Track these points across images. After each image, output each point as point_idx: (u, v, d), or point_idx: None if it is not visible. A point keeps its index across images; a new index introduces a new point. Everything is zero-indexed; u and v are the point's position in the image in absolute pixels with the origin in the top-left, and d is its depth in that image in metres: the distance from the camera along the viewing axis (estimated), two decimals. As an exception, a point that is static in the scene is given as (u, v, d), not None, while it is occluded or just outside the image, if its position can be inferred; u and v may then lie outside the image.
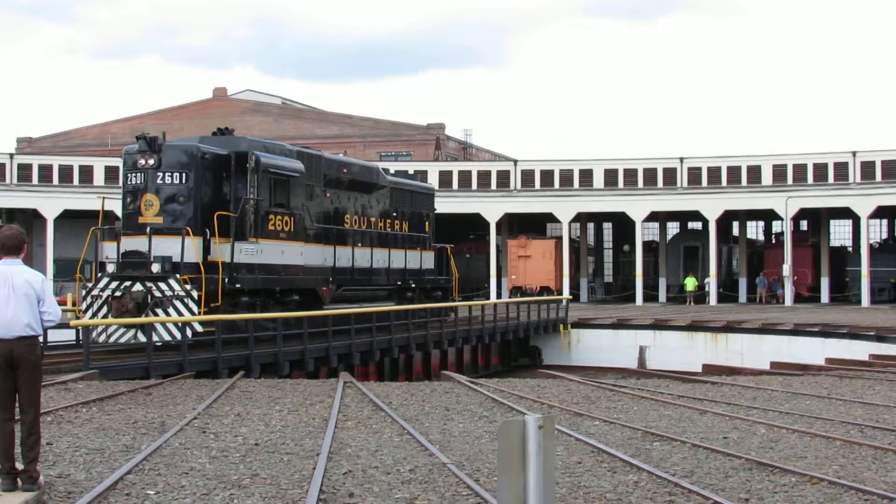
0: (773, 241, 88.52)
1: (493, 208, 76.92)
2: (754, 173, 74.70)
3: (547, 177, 77.68)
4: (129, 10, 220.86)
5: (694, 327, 51.07)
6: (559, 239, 78.92)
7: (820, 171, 73.47)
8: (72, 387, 23.72)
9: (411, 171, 67.54)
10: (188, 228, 31.86)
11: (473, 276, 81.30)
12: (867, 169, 72.29)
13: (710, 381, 27.07)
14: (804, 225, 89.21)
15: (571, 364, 49.82)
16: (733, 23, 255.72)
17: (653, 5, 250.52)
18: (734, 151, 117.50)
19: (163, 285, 31.15)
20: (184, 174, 32.64)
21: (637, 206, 75.37)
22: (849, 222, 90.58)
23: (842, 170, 72.88)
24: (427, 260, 46.44)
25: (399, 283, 43.70)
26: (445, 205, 76.51)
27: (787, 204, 72.39)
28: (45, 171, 76.03)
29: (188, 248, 31.67)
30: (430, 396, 22.88)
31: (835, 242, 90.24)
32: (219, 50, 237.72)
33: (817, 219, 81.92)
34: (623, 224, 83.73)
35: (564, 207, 76.49)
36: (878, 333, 42.20)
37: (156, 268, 31.45)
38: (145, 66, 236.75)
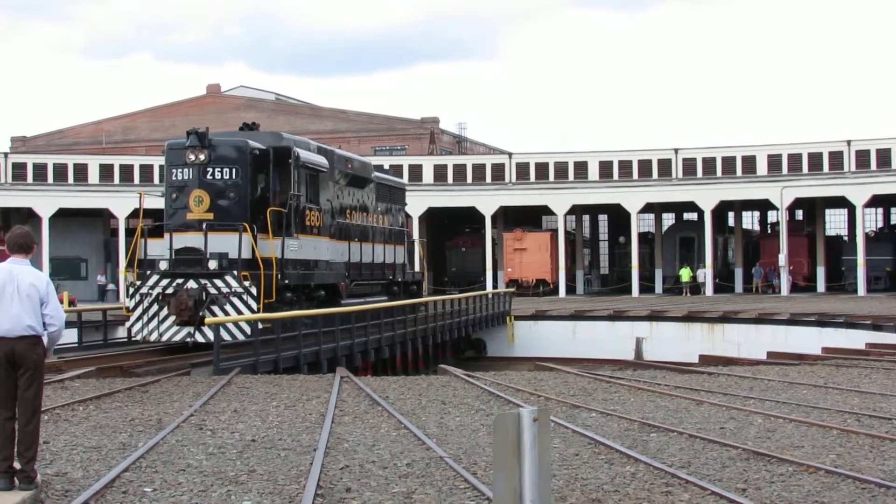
0: (769, 231, 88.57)
1: (488, 201, 76.96)
2: (749, 163, 74.80)
3: (542, 169, 77.74)
4: (120, 8, 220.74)
5: (690, 318, 51.09)
6: (555, 231, 79.01)
7: (815, 160, 73.57)
8: (68, 385, 23.73)
9: (386, 166, 67.65)
10: (245, 225, 31.64)
11: (469, 270, 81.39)
12: (862, 158, 72.40)
13: (706, 372, 27.08)
14: (800, 214, 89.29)
15: (514, 356, 50.09)
16: (726, 12, 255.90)
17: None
18: (729, 142, 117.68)
19: (219, 282, 30.94)
20: (234, 169, 32.24)
21: (632, 198, 75.42)
22: (844, 211, 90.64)
23: (837, 159, 73.00)
24: (404, 254, 46.83)
25: (390, 277, 44.06)
26: (441, 199, 76.73)
27: (782, 194, 72.45)
28: (40, 170, 76.02)
29: (245, 245, 31.48)
30: (427, 390, 22.89)
31: (830, 232, 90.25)
32: (211, 47, 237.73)
33: (813, 208, 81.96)
34: (619, 216, 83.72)
35: (560, 200, 76.53)
36: (875, 322, 42.20)
37: (213, 264, 31.15)
38: (137, 64, 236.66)
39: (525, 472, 7.65)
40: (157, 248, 32.50)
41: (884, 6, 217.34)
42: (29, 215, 73.59)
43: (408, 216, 77.33)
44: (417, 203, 75.89)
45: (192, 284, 30.99)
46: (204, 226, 31.48)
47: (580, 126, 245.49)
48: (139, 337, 32.16)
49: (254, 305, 30.78)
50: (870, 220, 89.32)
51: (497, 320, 53.52)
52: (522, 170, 77.93)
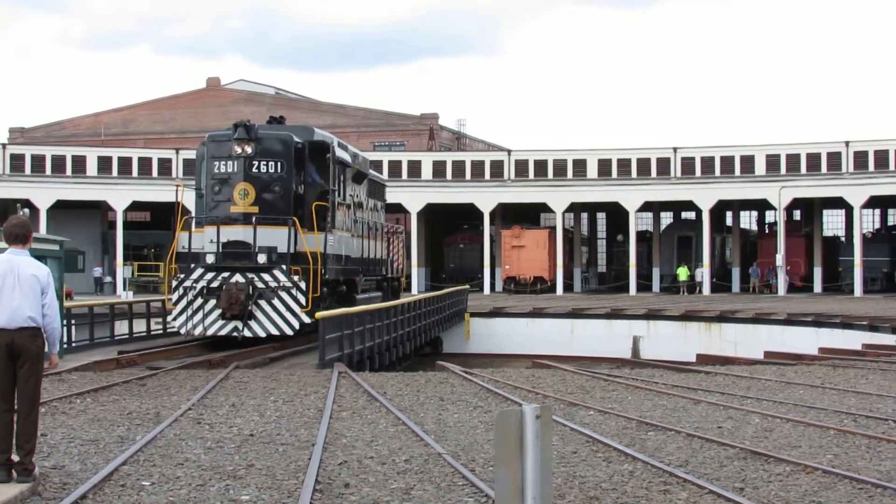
0: (767, 231, 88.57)
1: (487, 198, 76.96)
2: (748, 163, 74.80)
3: (541, 167, 77.70)
4: (121, 0, 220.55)
5: (688, 317, 51.14)
6: (553, 229, 78.98)
7: (813, 160, 73.58)
8: (66, 378, 23.75)
9: (385, 162, 67.87)
10: (294, 219, 31.74)
11: (467, 267, 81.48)
12: (860, 159, 72.41)
13: (704, 371, 27.10)
14: (797, 215, 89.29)
15: (469, 352, 50.14)
16: (726, 10, 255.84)
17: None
18: (728, 141, 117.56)
19: (266, 276, 31.01)
20: (279, 163, 32.11)
21: (631, 196, 75.45)
22: (842, 212, 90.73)
23: (835, 160, 73.00)
24: (387, 250, 47.16)
25: (384, 272, 44.36)
26: (439, 195, 76.75)
27: (780, 194, 72.48)
28: (38, 162, 75.90)
29: (295, 239, 31.64)
30: (425, 387, 22.89)
31: (828, 232, 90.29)
32: (210, 40, 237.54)
33: (810, 209, 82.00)
34: (617, 214, 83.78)
35: (558, 197, 76.55)
36: (871, 323, 42.27)
37: (262, 258, 31.19)
38: (137, 56, 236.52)
39: (527, 468, 7.66)
40: (198, 241, 32.24)
41: (883, 7, 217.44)
42: (27, 207, 73.47)
43: (406, 212, 77.58)
44: (416, 199, 76.05)
45: (238, 278, 31.00)
46: (254, 219, 31.42)
47: (579, 124, 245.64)
48: (183, 331, 32.09)
49: (302, 300, 30.97)
50: (867, 221, 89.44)
51: (456, 318, 53.45)
52: (521, 167, 77.92)
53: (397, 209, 77.57)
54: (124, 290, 68.17)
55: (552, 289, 75.97)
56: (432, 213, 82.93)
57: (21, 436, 11.72)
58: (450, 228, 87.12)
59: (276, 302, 30.90)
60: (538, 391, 22.06)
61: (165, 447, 14.98)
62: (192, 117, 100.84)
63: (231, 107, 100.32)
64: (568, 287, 78.43)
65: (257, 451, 14.83)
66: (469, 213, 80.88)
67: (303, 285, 31.01)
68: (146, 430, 16.55)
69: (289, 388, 22.19)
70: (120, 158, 76.94)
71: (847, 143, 73.16)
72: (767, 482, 12.85)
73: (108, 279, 74.93)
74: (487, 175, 78.19)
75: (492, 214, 78.69)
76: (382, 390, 21.94)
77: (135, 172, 76.09)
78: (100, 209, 79.81)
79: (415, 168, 78.34)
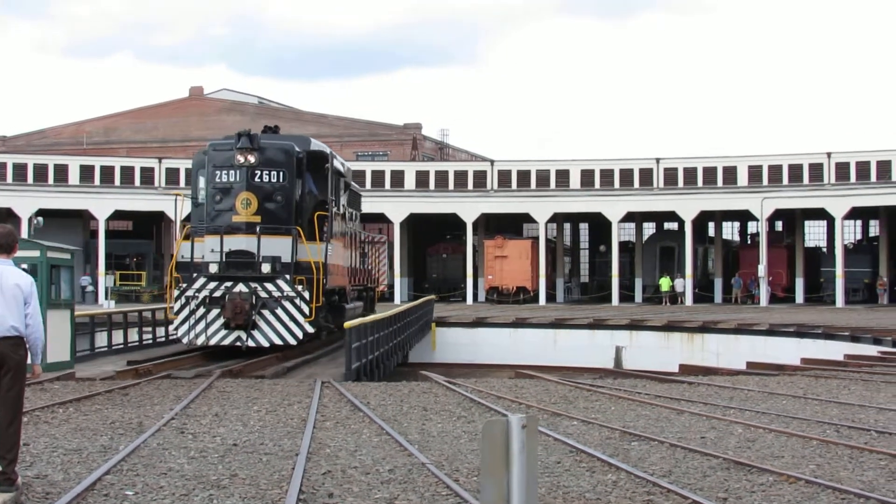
0: (749, 242, 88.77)
1: (469, 208, 76.97)
2: (730, 174, 74.95)
3: (524, 177, 77.75)
4: (102, 7, 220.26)
5: (670, 327, 51.19)
6: (535, 239, 79.04)
7: (795, 172, 73.75)
8: (48, 387, 23.67)
9: (368, 172, 67.73)
10: (298, 229, 31.81)
11: (450, 277, 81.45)
12: (842, 170, 72.62)
13: (686, 381, 27.13)
14: (779, 226, 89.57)
15: (434, 361, 50.17)
16: (709, 21, 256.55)
17: (625, 4, 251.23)
18: (710, 152, 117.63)
19: (270, 286, 31.05)
20: (281, 173, 32.15)
21: (613, 207, 75.55)
22: (823, 223, 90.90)
23: (817, 171, 73.19)
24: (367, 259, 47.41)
25: (364, 281, 44.52)
26: (422, 205, 76.75)
27: (762, 205, 72.66)
28: (20, 170, 75.73)
29: (299, 249, 31.71)
30: (408, 397, 22.88)
31: (810, 243, 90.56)
32: (193, 48, 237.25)
33: (792, 219, 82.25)
34: (599, 224, 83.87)
35: (541, 208, 76.61)
36: (853, 334, 42.37)
37: (266, 268, 31.22)
38: (118, 64, 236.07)
39: (513, 478, 7.66)
40: (198, 250, 32.20)
41: (865, 20, 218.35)
42: (8, 216, 73.33)
43: (389, 222, 77.59)
44: (399, 209, 76.04)
45: (242, 288, 31.02)
46: (258, 229, 31.48)
47: (562, 134, 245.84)
48: (185, 340, 32.16)
49: (306, 310, 31.07)
50: (849, 232, 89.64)
51: (423, 328, 53.47)
52: (504, 177, 77.94)
53: (380, 219, 77.57)
54: (106, 299, 68.00)
55: (535, 299, 75.99)
56: (415, 223, 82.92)
57: (3, 445, 11.67)
58: (433, 238, 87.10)
59: (279, 312, 31.00)
60: (521, 401, 22.06)
61: (149, 457, 14.95)
62: (174, 126, 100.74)
63: (214, 116, 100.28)
64: (550, 297, 78.47)
65: (241, 460, 14.80)
66: (452, 224, 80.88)
67: (306, 295, 31.14)
68: (129, 439, 16.51)
69: (272, 398, 22.16)
70: (102, 167, 76.79)
71: (829, 155, 73.38)
72: (750, 492, 12.87)
73: (90, 288, 74.72)
74: (470, 185, 78.22)
75: (475, 224, 78.70)
76: (366, 400, 21.92)
77: (117, 181, 75.95)
78: (82, 218, 79.63)
79: (398, 178, 78.33)
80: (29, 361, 12.07)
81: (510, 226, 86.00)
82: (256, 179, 31.92)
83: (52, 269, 27.78)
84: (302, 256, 31.70)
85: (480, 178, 78.32)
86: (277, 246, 31.54)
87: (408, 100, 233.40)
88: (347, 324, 28.87)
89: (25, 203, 72.71)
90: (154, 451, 15.46)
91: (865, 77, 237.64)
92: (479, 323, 55.61)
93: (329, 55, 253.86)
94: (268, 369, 28.79)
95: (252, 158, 31.81)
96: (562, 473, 13.99)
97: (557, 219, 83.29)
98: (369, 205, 59.73)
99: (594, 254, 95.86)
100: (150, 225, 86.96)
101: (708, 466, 14.52)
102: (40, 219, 49.75)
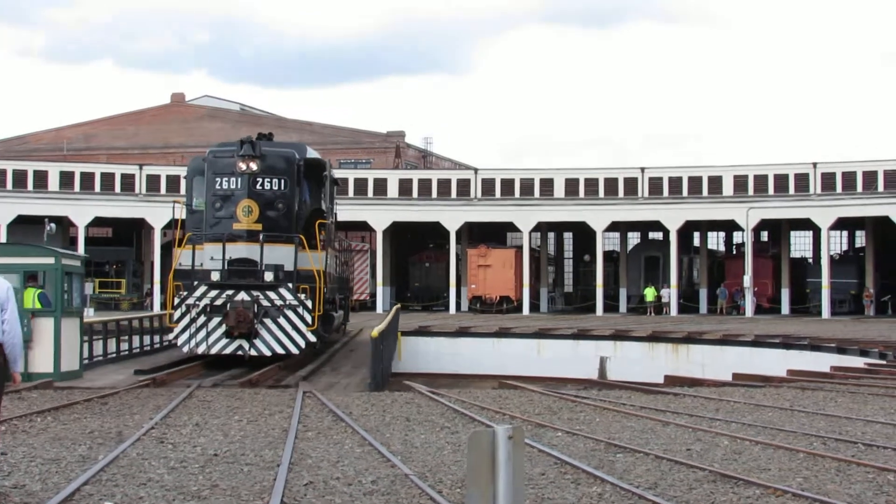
0: (734, 252, 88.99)
1: (453, 217, 76.97)
2: (715, 184, 75.07)
3: (507, 186, 77.78)
4: (83, 13, 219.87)
5: (655, 338, 51.16)
6: (519, 248, 79.05)
7: (781, 182, 73.91)
8: (25, 396, 23.57)
9: (351, 180, 67.55)
10: (301, 237, 31.82)
11: (433, 286, 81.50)
12: (828, 180, 72.78)
13: (672, 393, 27.09)
14: (765, 236, 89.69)
15: (400, 371, 50.26)
16: (696, 32, 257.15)
17: (610, 13, 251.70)
18: (695, 162, 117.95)
19: (272, 294, 31.04)
20: (283, 180, 32.20)
21: (598, 216, 75.63)
22: (809, 234, 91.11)
23: (803, 181, 73.36)
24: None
25: (343, 290, 44.69)
26: (405, 213, 76.69)
27: (748, 215, 72.82)
28: (-1, 176, 75.57)
29: (302, 257, 31.70)
30: (391, 407, 22.84)
31: (795, 254, 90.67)
32: (175, 54, 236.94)
33: (778, 230, 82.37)
34: (584, 234, 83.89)
35: (525, 217, 76.65)
36: (839, 345, 42.39)
37: (268, 276, 31.20)
38: (99, 71, 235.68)
39: (499, 490, 7.63)
40: (198, 258, 32.07)
41: (851, 31, 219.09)
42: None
43: (371, 230, 77.57)
44: (382, 217, 76.03)
45: (244, 296, 31.00)
46: (261, 237, 31.50)
47: (546, 143, 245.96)
48: (185, 349, 32.07)
49: (309, 318, 31.10)
50: (835, 243, 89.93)
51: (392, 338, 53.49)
52: (488, 186, 77.98)
53: (363, 227, 77.58)
54: (86, 306, 67.71)
55: (518, 308, 76.01)
56: (398, 232, 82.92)
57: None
58: (416, 247, 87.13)
59: (281, 320, 31.05)
60: (505, 412, 22.03)
61: (128, 467, 14.88)
62: (155, 133, 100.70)
63: (195, 123, 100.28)
64: (534, 307, 78.51)
65: (221, 471, 14.74)
66: (435, 232, 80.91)
67: (309, 304, 31.21)
68: (108, 449, 16.43)
69: (253, 408, 22.11)
70: (82, 174, 76.65)
71: (815, 165, 73.56)
72: (737, 505, 12.85)
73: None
74: (454, 194, 78.22)
75: (458, 233, 78.72)
76: (348, 410, 21.87)
77: (97, 188, 75.81)
78: (62, 225, 79.37)
79: (381, 186, 78.28)
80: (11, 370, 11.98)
81: (494, 235, 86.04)
82: (258, 187, 31.98)
83: (65, 276, 27.83)
84: (303, 265, 31.76)
85: (464, 186, 78.35)
86: (279, 254, 31.57)
87: (391, 107, 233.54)
88: (374, 332, 29.16)
89: (4, 209, 72.64)
90: (133, 461, 15.39)
91: (852, 87, 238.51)
92: (462, 332, 55.51)
93: (312, 62, 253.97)
94: (289, 379, 28.97)
95: (254, 166, 31.85)
96: (546, 485, 13.95)
97: (541, 228, 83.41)
98: (352, 213, 59.80)
99: (578, 263, 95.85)
100: (130, 232, 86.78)
101: (694, 479, 14.49)
102: (53, 225, 49.83)
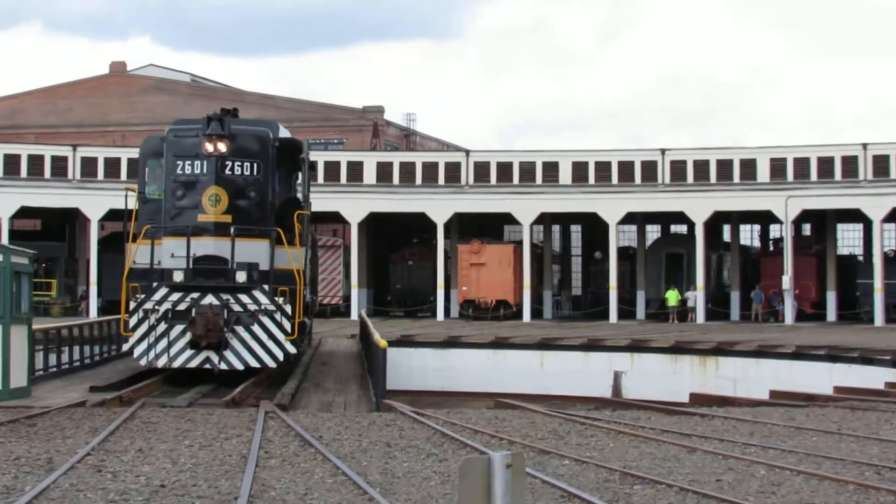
0: (771, 249, 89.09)
1: (440, 207, 76.87)
2: (748, 168, 75.00)
3: (504, 170, 77.71)
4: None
5: (678, 349, 51.21)
6: (519, 244, 79.06)
7: (825, 166, 73.83)
8: (-61, 416, 23.53)
9: (321, 163, 67.60)
10: (279, 230, 31.59)
11: (417, 288, 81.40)
12: (880, 164, 72.66)
13: (698, 414, 27.15)
14: (807, 229, 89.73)
15: (399, 388, 50.37)
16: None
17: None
18: (725, 142, 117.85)
19: (244, 297, 30.81)
20: (255, 164, 31.84)
21: (611, 206, 75.55)
22: (859, 227, 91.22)
23: (851, 165, 73.26)
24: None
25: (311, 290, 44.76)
26: (384, 202, 76.64)
27: (787, 205, 72.81)
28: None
29: (279, 255, 31.47)
30: (368, 430, 22.85)
31: (843, 250, 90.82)
32: (112, 17, 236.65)
33: (822, 222, 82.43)
34: (594, 227, 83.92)
35: (525, 206, 76.56)
36: (895, 358, 42.45)
37: (241, 276, 30.95)
38: (26, 35, 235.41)
39: (497, 528, 7.62)
40: (156, 256, 31.57)
41: None
42: None
43: (345, 222, 77.54)
44: (357, 207, 75.92)
45: (211, 300, 30.73)
46: (231, 230, 31.06)
47: (550, 120, 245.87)
48: (143, 362, 31.55)
49: (287, 326, 30.91)
50: (889, 237, 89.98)
51: None
52: (482, 170, 77.88)
53: (334, 219, 77.56)
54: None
55: (518, 315, 76.03)
56: (376, 225, 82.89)
57: None
58: (397, 242, 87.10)
59: (256, 328, 30.75)
60: (502, 436, 22.05)
61: (60, 499, 14.87)
62: (92, 108, 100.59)
63: (138, 96, 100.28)
64: (536, 313, 78.55)
65: (169, 505, 14.74)
66: (420, 225, 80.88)
67: (288, 309, 30.97)
68: (37, 478, 16.42)
69: (206, 431, 22.10)
70: (6, 155, 76.37)
71: (865, 147, 73.50)
72: (776, 545, 12.87)
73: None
74: (441, 179, 78.14)
75: (446, 226, 78.66)
76: (317, 434, 21.88)
77: (24, 173, 75.60)
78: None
79: (356, 170, 78.14)
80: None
81: (489, 228, 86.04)
82: (227, 172, 31.59)
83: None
84: (280, 263, 31.50)
85: (453, 171, 78.27)
86: (253, 250, 31.29)
87: (368, 79, 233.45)
88: (383, 343, 28.95)
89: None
90: (66, 492, 15.38)
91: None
92: (452, 343, 55.57)
93: (274, 26, 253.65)
94: (278, 397, 28.77)
95: (223, 147, 31.32)
96: (552, 522, 13.97)
97: (545, 220, 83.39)
98: (322, 202, 59.67)
99: (588, 262, 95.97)
100: (62, 224, 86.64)
101: (725, 514, 14.51)
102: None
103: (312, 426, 23.11)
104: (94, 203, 72.07)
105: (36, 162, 76.36)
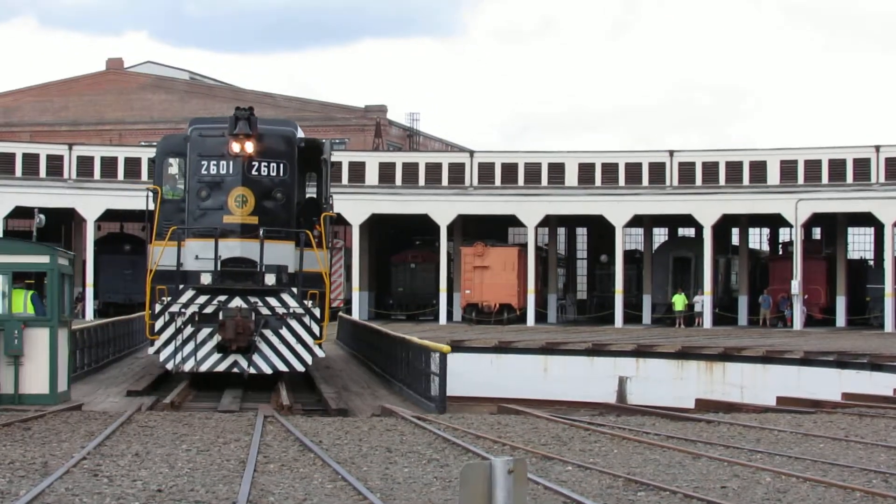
0: (780, 253, 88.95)
1: (444, 209, 76.82)
2: (758, 170, 74.93)
3: (509, 171, 77.67)
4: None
5: (685, 355, 51.25)
6: (523, 247, 79.05)
7: (837, 168, 73.73)
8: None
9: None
10: (307, 233, 31.64)
11: (419, 291, 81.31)
12: (893, 167, 72.57)
13: (704, 420, 27.21)
14: (817, 233, 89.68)
15: None
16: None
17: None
18: (734, 144, 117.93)
19: (273, 300, 30.88)
20: (282, 165, 31.94)
21: (617, 209, 75.47)
22: (871, 231, 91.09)
23: (863, 167, 73.17)
24: None
25: None
26: (387, 204, 76.60)
27: (797, 208, 72.75)
28: None
29: (307, 256, 31.54)
30: (368, 435, 22.91)
31: (853, 255, 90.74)
32: (111, 13, 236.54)
33: (833, 226, 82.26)
34: (601, 230, 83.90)
35: (530, 209, 76.52)
36: (905, 364, 42.50)
37: (270, 279, 30.95)
38: (21, 31, 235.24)
39: (497, 533, 7.69)
40: (181, 256, 31.57)
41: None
42: None
43: (346, 224, 77.52)
44: (358, 208, 75.78)
45: (239, 303, 30.79)
46: (260, 232, 31.11)
47: (555, 121, 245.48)
48: (170, 366, 31.59)
49: (316, 330, 31.02)
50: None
51: None
52: (486, 171, 77.87)
53: (336, 220, 77.43)
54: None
55: (522, 318, 76.00)
56: (378, 226, 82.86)
57: None
58: (399, 245, 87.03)
59: (284, 332, 30.86)
60: (505, 441, 22.10)
61: (55, 504, 14.93)
62: (88, 106, 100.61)
63: (135, 94, 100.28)
64: (541, 317, 78.48)
65: (166, 510, 14.81)
66: (423, 227, 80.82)
67: (317, 312, 31.07)
68: (32, 483, 16.47)
69: (204, 435, 22.16)
70: (1, 154, 76.48)
71: (877, 149, 73.41)
72: (781, 553, 12.94)
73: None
74: (445, 181, 78.11)
75: (449, 228, 78.60)
76: (317, 439, 21.93)
77: (18, 172, 75.57)
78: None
79: (357, 171, 78.14)
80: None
81: (493, 230, 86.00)
82: (254, 172, 31.64)
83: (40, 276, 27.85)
84: (308, 266, 31.58)
85: (457, 171, 78.24)
86: (281, 253, 31.44)
87: (370, 78, 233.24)
88: (446, 348, 29.46)
89: None
90: (62, 497, 15.44)
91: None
92: (455, 347, 55.41)
93: (274, 23, 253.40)
94: (331, 402, 29.18)
95: (250, 147, 31.31)
96: (554, 529, 14.03)
97: (550, 222, 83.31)
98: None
99: (594, 265, 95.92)
100: (58, 225, 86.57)
101: (730, 522, 14.58)
102: (42, 216, 49.43)
103: (312, 431, 23.16)
104: (90, 203, 72.16)
105: (31, 161, 76.30)
